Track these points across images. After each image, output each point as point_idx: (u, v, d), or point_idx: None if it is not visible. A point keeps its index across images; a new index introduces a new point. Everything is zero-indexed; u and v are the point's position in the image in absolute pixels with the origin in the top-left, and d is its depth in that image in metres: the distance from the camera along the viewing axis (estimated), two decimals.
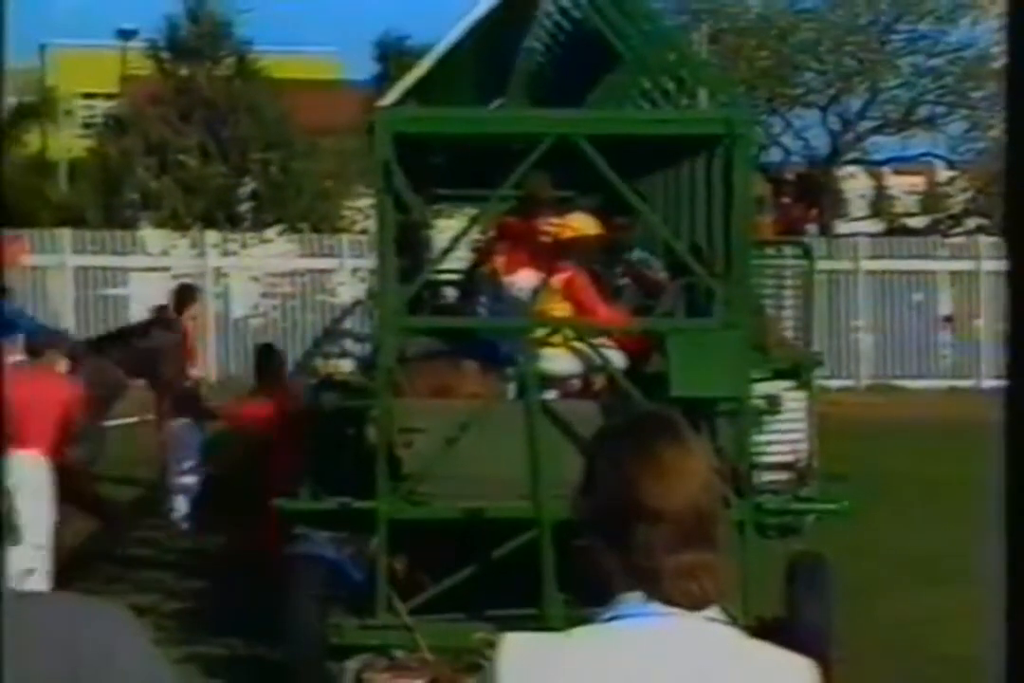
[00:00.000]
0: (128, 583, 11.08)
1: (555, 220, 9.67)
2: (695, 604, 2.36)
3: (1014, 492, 1.77)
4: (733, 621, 2.44)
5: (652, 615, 2.36)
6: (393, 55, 37.31)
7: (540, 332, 9.01)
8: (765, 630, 7.10)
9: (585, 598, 2.50)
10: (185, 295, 14.49)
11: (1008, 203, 1.83)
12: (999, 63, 34.28)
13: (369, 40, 40.44)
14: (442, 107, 10.14)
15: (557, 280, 9.23)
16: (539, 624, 7.64)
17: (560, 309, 9.21)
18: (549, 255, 9.41)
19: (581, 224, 9.60)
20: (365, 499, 8.56)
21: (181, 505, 13.07)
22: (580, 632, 2.39)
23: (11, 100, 34.92)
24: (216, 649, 9.19)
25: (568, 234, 9.50)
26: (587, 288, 9.25)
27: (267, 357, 11.93)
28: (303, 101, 30.60)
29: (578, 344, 9.01)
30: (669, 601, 2.36)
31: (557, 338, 9.03)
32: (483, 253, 12.41)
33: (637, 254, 10.18)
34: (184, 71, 32.00)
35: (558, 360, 8.99)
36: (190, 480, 13.06)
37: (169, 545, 12.67)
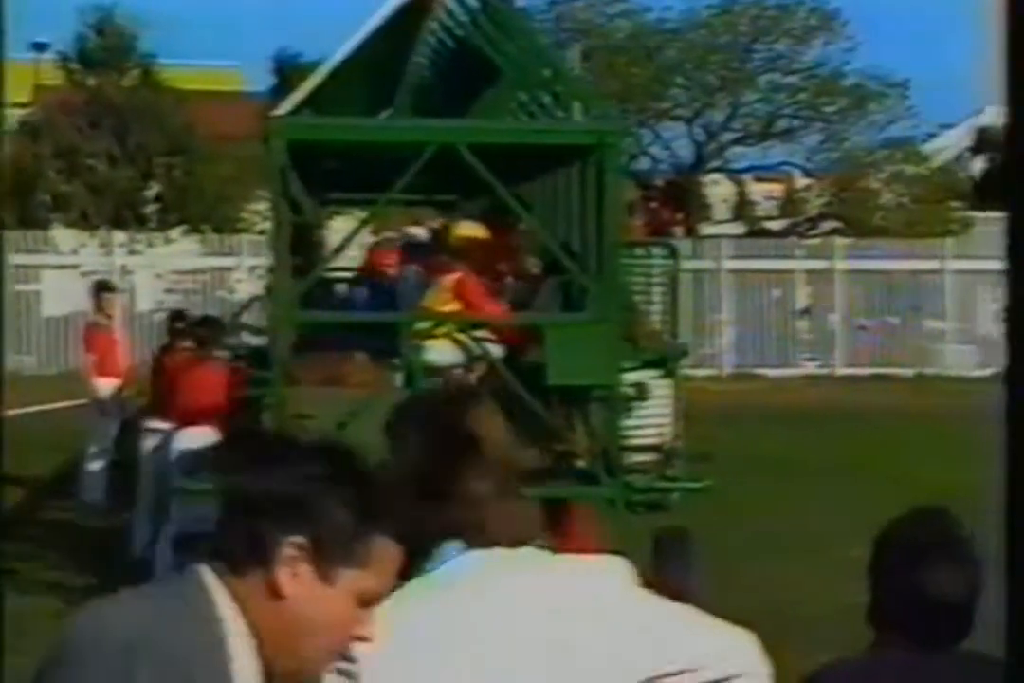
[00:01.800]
0: (40, 561, 10.96)
1: (446, 224, 9.70)
2: (510, 543, 2.49)
3: (1013, 491, 1.79)
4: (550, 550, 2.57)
5: (473, 557, 2.48)
6: (289, 68, 37.08)
7: (425, 325, 9.04)
8: None
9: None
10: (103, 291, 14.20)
11: (1008, 202, 1.84)
12: (849, 81, 34.74)
13: (267, 55, 40.22)
14: (333, 117, 10.10)
15: (448, 280, 9.27)
16: None
17: (449, 307, 9.25)
18: (443, 257, 9.46)
19: (471, 229, 9.64)
20: None
21: (94, 487, 12.96)
22: (413, 584, 2.47)
23: None
24: None
25: (460, 238, 9.54)
26: (476, 289, 9.30)
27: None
28: (205, 110, 30.37)
29: (460, 336, 9.05)
30: (486, 543, 2.49)
31: (441, 331, 9.07)
32: (375, 252, 12.40)
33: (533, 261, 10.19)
34: (92, 81, 31.67)
35: (441, 351, 9.02)
36: (100, 464, 12.95)
37: (81, 525, 12.54)
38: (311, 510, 2.06)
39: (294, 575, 2.05)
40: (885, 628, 3.15)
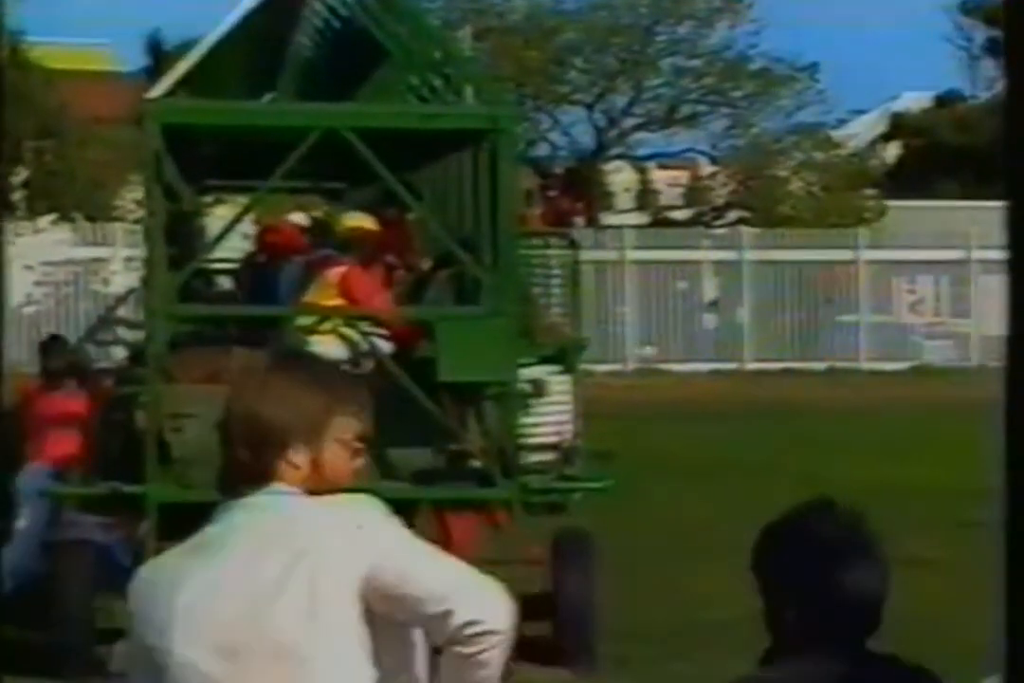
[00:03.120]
0: None
1: (331, 214, 9.69)
2: (257, 486, 2.84)
3: (1013, 492, 1.81)
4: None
5: (228, 504, 2.86)
6: (163, 48, 36.79)
7: (308, 320, 9.03)
8: (530, 604, 7.21)
9: None
10: None
11: (1008, 199, 1.87)
12: (756, 65, 35.03)
13: (140, 33, 39.91)
14: (211, 99, 10.06)
15: (333, 274, 9.27)
16: None
17: (334, 302, 9.24)
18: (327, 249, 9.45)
19: (358, 220, 9.63)
20: (135, 484, 8.48)
21: None
22: (172, 551, 2.94)
23: None
24: None
25: (346, 229, 9.53)
26: (361, 283, 9.30)
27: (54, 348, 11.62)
28: (77, 91, 30.03)
29: (347, 331, 9.05)
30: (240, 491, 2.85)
31: (327, 326, 9.06)
32: (258, 243, 12.34)
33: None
34: None
35: (326, 346, 9.01)
36: None
37: None
38: None
39: None
40: (795, 633, 2.95)
